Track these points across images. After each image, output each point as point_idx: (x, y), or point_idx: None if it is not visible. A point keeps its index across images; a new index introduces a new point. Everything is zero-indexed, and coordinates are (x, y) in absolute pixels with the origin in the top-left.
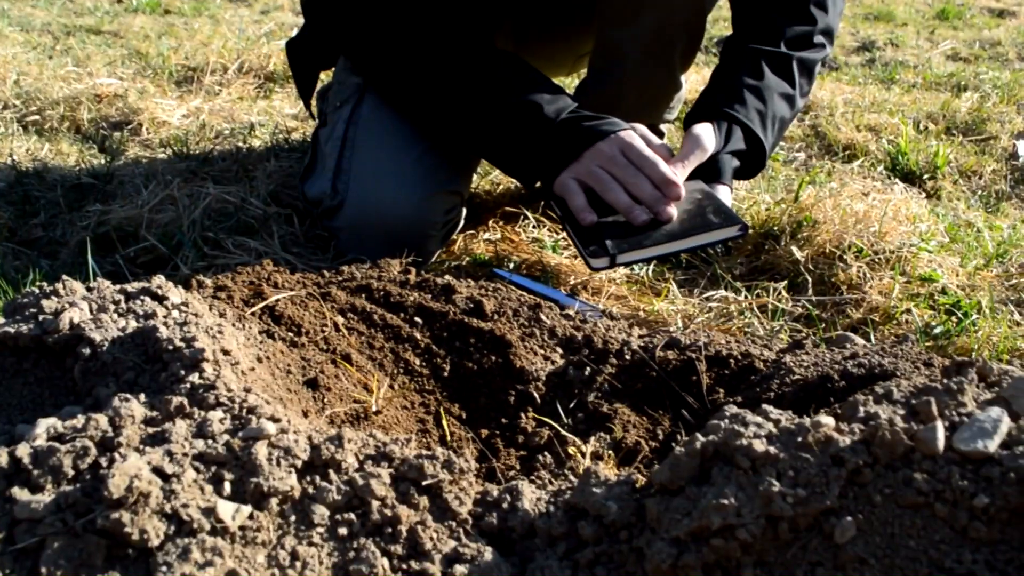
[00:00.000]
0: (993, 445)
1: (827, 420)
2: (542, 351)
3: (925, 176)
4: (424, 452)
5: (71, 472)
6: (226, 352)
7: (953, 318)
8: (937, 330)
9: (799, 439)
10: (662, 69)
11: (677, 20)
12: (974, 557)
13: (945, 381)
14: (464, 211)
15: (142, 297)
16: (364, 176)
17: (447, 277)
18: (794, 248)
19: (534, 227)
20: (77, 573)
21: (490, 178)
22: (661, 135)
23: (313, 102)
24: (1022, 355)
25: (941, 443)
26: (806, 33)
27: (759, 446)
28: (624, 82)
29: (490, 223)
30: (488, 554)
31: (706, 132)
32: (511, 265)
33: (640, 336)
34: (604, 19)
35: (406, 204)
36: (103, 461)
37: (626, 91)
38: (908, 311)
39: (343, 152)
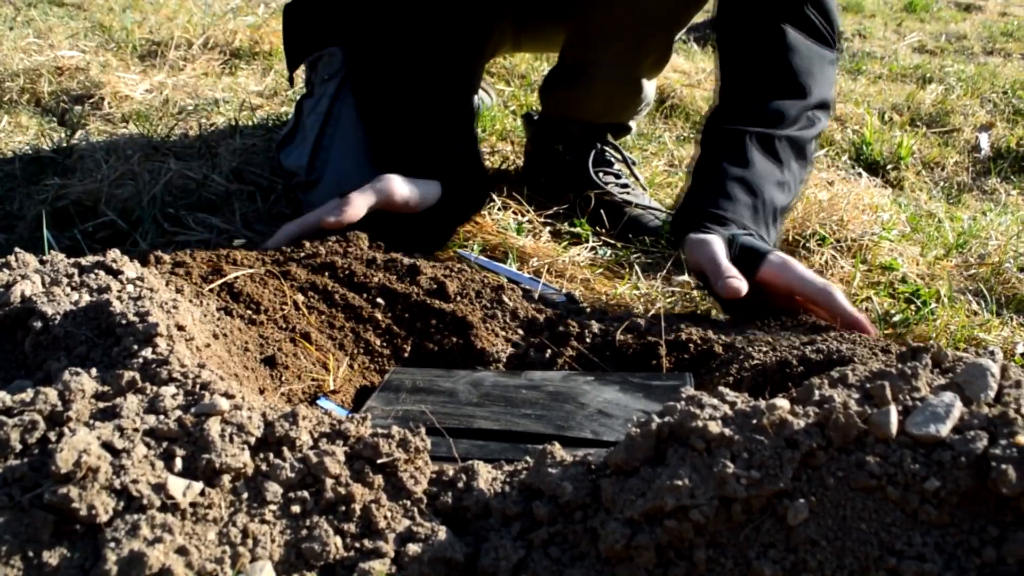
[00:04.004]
0: (945, 430)
1: (782, 403)
2: (504, 333)
3: (889, 166)
4: (379, 430)
5: (18, 446)
6: (181, 327)
7: (912, 306)
8: (896, 318)
9: (754, 421)
10: (628, 82)
11: (647, 42)
12: (924, 540)
13: (900, 366)
14: None
15: (96, 271)
16: (343, 157)
17: (414, 257)
18: None
19: (499, 210)
20: (23, 548)
21: None
22: (629, 130)
23: (300, 72)
24: (979, 343)
25: (894, 427)
26: (795, 108)
27: (714, 428)
28: (592, 87)
29: None
30: (442, 533)
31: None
32: (476, 247)
33: (602, 320)
34: (576, 34)
35: None
36: (52, 435)
37: (593, 95)
38: (868, 299)
39: (325, 128)
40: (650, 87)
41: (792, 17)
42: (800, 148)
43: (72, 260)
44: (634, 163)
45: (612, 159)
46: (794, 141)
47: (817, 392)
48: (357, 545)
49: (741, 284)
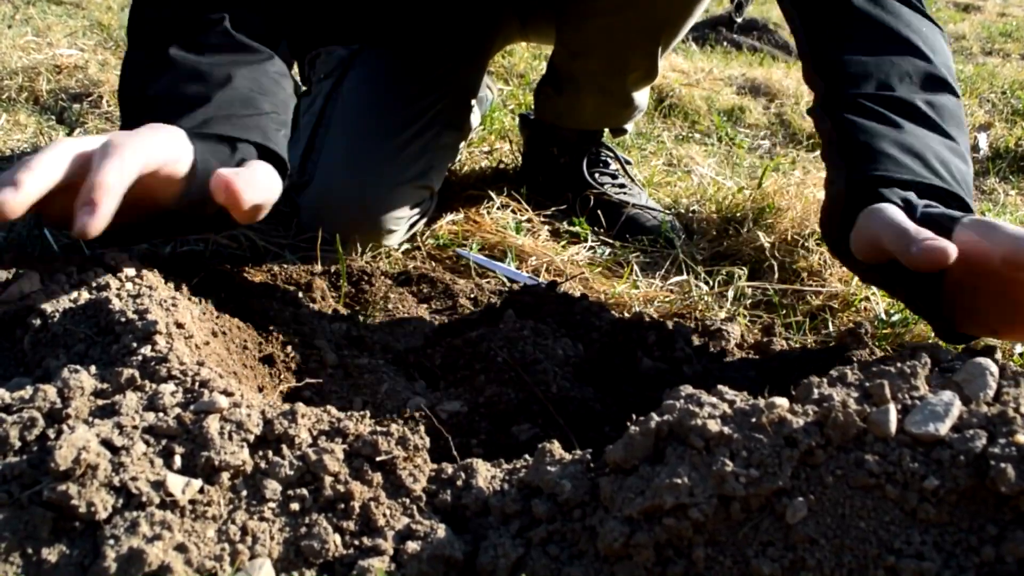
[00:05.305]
0: (944, 428)
1: (781, 401)
2: None
3: None
4: (379, 428)
5: (17, 443)
6: (180, 325)
7: None
8: (895, 317)
9: (753, 420)
10: (615, 95)
11: (630, 62)
12: (923, 538)
13: (899, 365)
14: (434, 203)
15: (95, 269)
16: (334, 160)
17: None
18: (761, 234)
19: (498, 209)
20: (22, 545)
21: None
22: (625, 131)
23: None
24: (977, 342)
25: (893, 426)
26: (925, 70)
27: (713, 426)
28: (580, 99)
29: (454, 204)
30: (441, 531)
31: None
32: (474, 246)
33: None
34: (562, 46)
35: (372, 195)
36: (51, 433)
37: (581, 105)
38: (867, 298)
39: (317, 129)
40: (642, 96)
41: None
42: (954, 115)
43: (71, 257)
44: (629, 163)
45: (607, 159)
46: (942, 108)
47: (816, 390)
48: (356, 543)
49: (945, 245)
